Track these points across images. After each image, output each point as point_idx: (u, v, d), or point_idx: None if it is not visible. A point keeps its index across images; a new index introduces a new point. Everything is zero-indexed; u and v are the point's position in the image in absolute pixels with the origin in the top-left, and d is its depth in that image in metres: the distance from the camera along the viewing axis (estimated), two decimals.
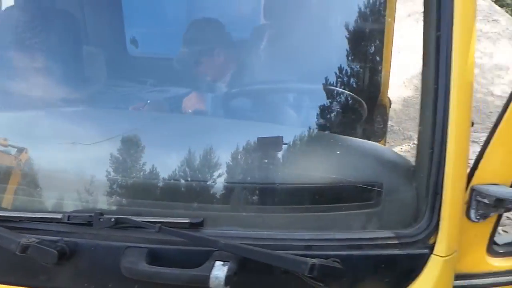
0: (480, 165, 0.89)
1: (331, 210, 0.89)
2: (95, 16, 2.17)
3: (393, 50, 2.16)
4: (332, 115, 1.10)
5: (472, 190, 0.90)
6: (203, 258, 0.80)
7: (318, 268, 0.76)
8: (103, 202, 0.95)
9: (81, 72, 1.82)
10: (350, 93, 1.09)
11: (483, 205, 0.89)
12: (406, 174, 0.92)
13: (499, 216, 0.93)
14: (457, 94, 0.84)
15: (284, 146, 0.88)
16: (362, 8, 1.29)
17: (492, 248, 0.96)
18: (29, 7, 1.76)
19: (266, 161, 0.88)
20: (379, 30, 1.82)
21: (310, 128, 0.99)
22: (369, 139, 1.96)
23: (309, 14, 1.53)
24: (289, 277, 0.81)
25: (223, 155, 0.88)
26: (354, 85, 1.16)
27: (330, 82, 1.17)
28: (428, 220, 0.86)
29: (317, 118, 1.12)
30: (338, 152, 0.90)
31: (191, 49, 1.64)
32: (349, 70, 1.19)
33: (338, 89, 1.13)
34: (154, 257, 0.82)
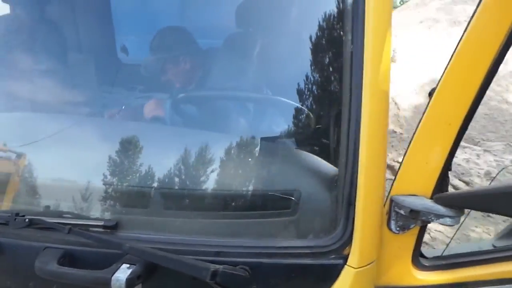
0: (399, 176, 0.88)
1: (247, 217, 0.90)
2: (87, 26, 2.26)
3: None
4: (276, 124, 1.11)
5: (391, 200, 0.89)
6: (116, 261, 0.82)
7: (221, 274, 0.77)
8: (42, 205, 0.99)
9: (73, 79, 1.89)
10: (297, 104, 1.09)
11: (401, 216, 0.88)
12: (329, 184, 0.92)
13: (423, 228, 0.91)
14: (370, 104, 0.84)
15: (204, 153, 0.90)
16: (330, 18, 1.29)
17: (419, 261, 0.94)
18: (24, 16, 1.85)
19: (184, 167, 0.89)
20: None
21: (246, 136, 1.00)
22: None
23: (277, 23, 1.55)
24: (199, 283, 0.82)
25: (143, 160, 0.91)
26: (321, 95, 1.16)
27: (293, 92, 1.17)
28: (342, 230, 0.85)
29: (263, 126, 1.13)
30: (250, 159, 0.91)
31: (157, 57, 1.68)
32: (316, 80, 1.18)
33: (284, 99, 1.13)
34: (71, 258, 0.85)
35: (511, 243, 0.97)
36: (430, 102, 0.84)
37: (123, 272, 0.78)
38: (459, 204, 0.80)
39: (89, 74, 1.98)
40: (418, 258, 0.93)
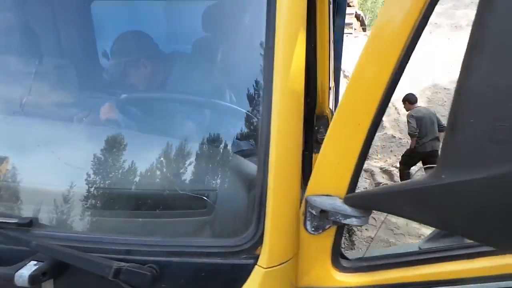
0: (313, 176, 0.87)
1: (161, 216, 0.90)
2: (68, 31, 2.31)
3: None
4: (207, 126, 1.11)
5: (306, 201, 0.88)
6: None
7: (125, 272, 0.78)
8: None
9: (54, 84, 1.93)
10: (228, 106, 1.10)
11: (314, 217, 0.87)
12: (247, 185, 0.92)
13: (340, 229, 0.90)
14: (280, 105, 0.84)
15: (121, 152, 0.91)
16: (247, 19, 1.31)
17: (339, 262, 0.92)
18: (5, 23, 1.90)
19: (100, 166, 0.90)
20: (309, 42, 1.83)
21: (170, 137, 1.01)
22: (311, 150, 1.96)
23: (235, 25, 1.57)
24: (111, 281, 0.82)
25: (61, 159, 0.92)
26: (245, 97, 1.17)
27: (223, 95, 1.18)
28: (254, 230, 0.85)
29: (193, 128, 1.14)
30: (161, 158, 0.91)
31: (118, 61, 1.71)
32: (243, 83, 1.19)
33: (217, 101, 1.14)
34: None
35: (436, 245, 0.95)
36: (340, 102, 0.83)
37: (28, 269, 0.79)
38: (363, 204, 0.79)
39: (71, 80, 2.02)
40: (338, 259, 0.92)
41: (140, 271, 0.79)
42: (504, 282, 0.88)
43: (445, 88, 8.81)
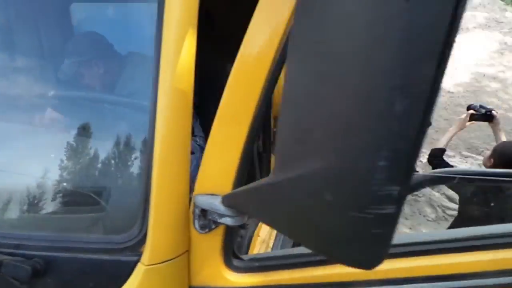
0: (200, 174, 0.88)
1: (52, 212, 0.92)
2: (46, 33, 2.36)
3: None
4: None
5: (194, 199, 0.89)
6: None
7: (6, 266, 0.80)
8: None
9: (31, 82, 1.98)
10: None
11: (199, 216, 0.87)
12: (137, 182, 0.93)
13: (229, 228, 0.90)
14: (165, 100, 0.84)
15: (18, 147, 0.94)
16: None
17: (231, 261, 0.93)
18: None
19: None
20: None
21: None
22: (269, 151, 1.95)
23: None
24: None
25: None
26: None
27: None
28: (139, 227, 0.86)
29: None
30: (53, 154, 0.93)
31: (71, 61, 1.74)
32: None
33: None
34: None
35: None
36: (221, 101, 0.83)
37: None
38: (232, 203, 0.79)
39: (50, 77, 2.06)
40: (230, 259, 0.92)
41: (20, 265, 0.81)
42: (392, 286, 0.87)
43: (448, 91, 8.61)
